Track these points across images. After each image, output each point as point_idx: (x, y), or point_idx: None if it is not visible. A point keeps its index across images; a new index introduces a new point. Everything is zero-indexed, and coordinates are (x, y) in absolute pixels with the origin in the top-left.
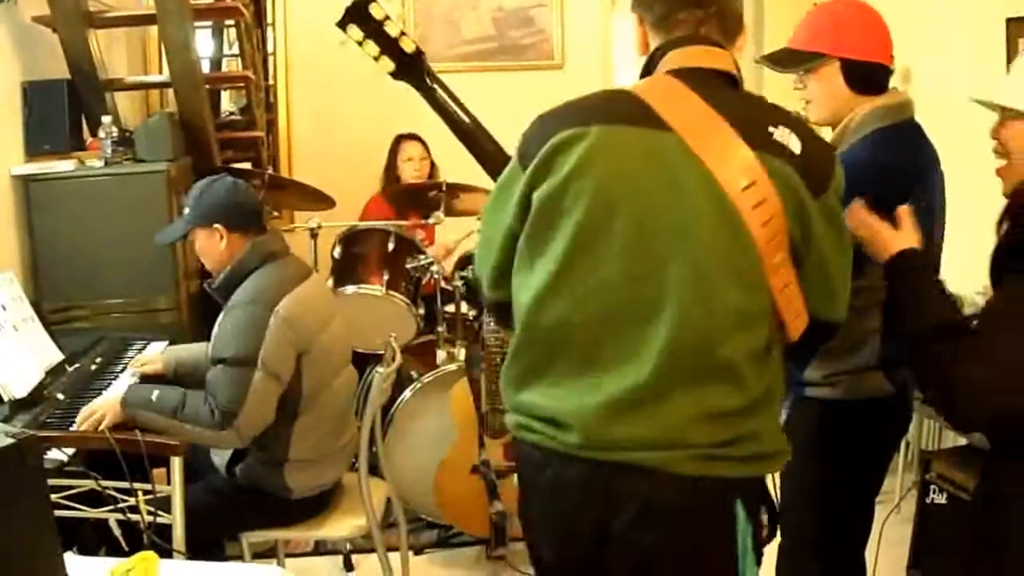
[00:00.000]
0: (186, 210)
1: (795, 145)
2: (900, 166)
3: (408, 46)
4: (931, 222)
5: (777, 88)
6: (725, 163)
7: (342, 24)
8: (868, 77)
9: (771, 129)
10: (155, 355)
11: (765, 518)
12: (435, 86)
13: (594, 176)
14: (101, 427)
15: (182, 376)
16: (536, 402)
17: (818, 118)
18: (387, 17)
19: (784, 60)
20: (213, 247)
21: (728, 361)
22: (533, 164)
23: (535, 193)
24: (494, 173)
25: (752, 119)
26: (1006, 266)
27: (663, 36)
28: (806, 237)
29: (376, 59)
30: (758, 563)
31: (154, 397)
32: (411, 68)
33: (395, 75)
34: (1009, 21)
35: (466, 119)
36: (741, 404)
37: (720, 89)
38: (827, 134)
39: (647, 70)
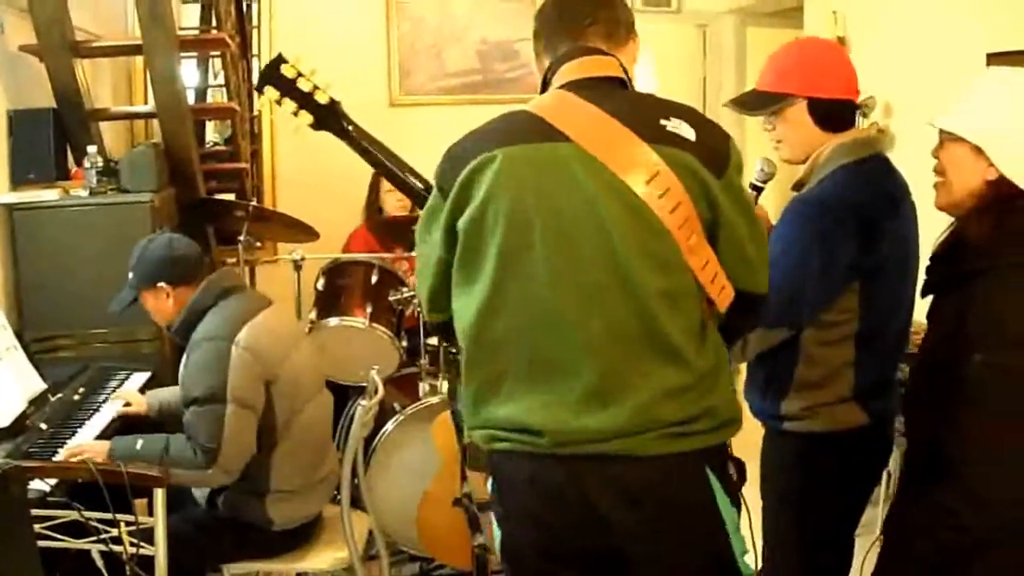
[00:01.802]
0: (130, 275)
1: (688, 133)
2: (865, 201)
3: (322, 98)
4: (905, 251)
5: (757, 121)
6: (625, 161)
7: (259, 87)
8: (836, 114)
9: (663, 122)
10: (138, 394)
11: (733, 472)
12: (352, 131)
13: (507, 197)
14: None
15: (167, 417)
16: (501, 414)
17: (790, 157)
18: (299, 74)
19: (751, 103)
20: (161, 305)
21: (667, 342)
22: (452, 194)
23: (459, 222)
24: (420, 203)
25: (643, 116)
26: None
27: (551, 56)
28: (715, 216)
29: (295, 114)
30: (736, 507)
31: (139, 447)
32: (328, 118)
33: (314, 126)
34: (989, 56)
35: (384, 158)
36: (691, 381)
37: (610, 93)
38: (798, 171)
39: (543, 89)
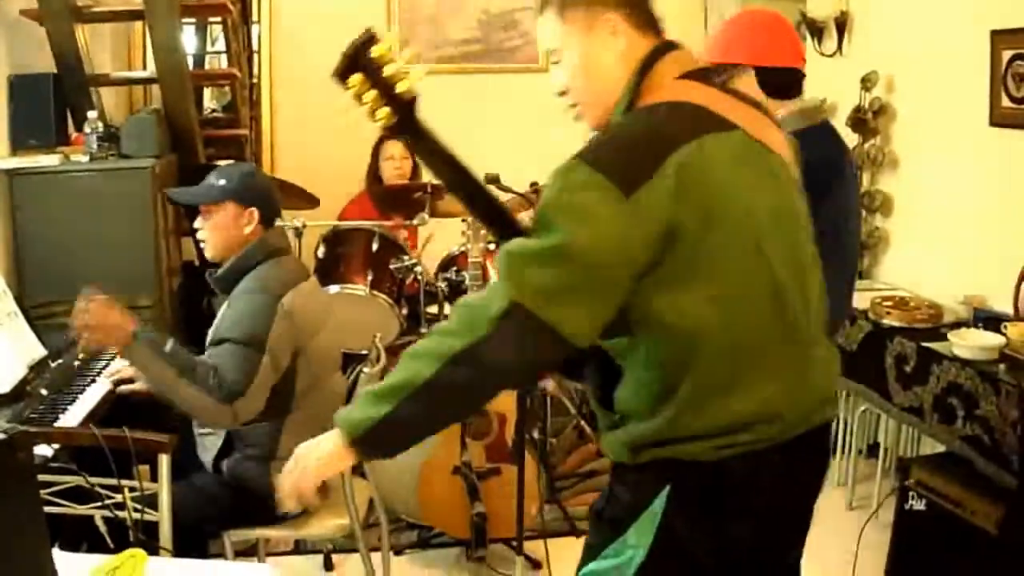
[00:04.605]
0: (221, 182)
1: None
2: (819, 164)
3: (402, 88)
4: (847, 215)
5: None
6: (781, 146)
7: (343, 75)
8: (783, 82)
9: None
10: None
11: None
12: (430, 138)
13: (728, 187)
14: (96, 344)
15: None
16: (734, 409)
17: None
18: (389, 59)
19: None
20: (237, 227)
21: (823, 320)
22: (663, 191)
23: (678, 216)
24: (499, 231)
25: (758, 104)
26: None
27: (650, 38)
28: None
29: (373, 112)
30: None
31: (168, 348)
32: (406, 119)
33: (393, 129)
34: (994, 33)
35: (461, 177)
36: (832, 356)
37: (721, 84)
38: None
39: (642, 73)
